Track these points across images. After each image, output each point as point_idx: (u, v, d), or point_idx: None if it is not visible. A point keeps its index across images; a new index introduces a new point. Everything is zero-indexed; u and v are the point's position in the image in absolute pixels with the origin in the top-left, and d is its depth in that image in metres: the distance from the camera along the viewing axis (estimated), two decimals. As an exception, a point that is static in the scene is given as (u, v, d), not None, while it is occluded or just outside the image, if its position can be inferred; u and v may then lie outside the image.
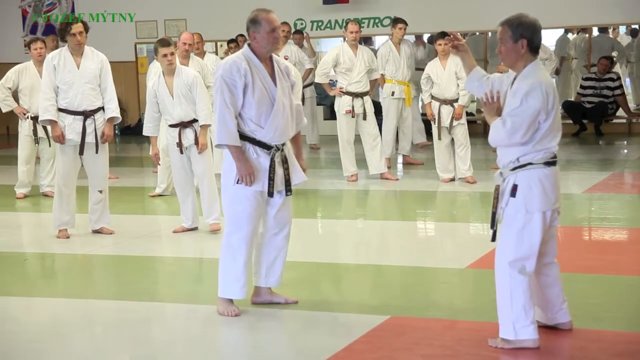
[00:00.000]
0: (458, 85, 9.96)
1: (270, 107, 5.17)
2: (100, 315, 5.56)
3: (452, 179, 10.16)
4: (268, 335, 5.08)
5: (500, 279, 4.62)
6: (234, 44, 13.34)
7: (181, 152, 7.63)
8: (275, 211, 5.34)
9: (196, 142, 7.60)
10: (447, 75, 10.04)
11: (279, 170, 5.24)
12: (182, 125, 7.60)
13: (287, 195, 5.32)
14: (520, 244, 4.55)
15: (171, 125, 7.65)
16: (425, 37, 15.20)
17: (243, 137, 5.18)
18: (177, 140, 7.60)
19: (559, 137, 4.64)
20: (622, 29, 17.51)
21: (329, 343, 4.78)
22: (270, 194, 5.22)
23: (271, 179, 5.20)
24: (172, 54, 7.54)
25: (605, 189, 9.59)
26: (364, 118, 10.43)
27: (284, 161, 5.27)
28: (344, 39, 10.97)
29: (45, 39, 10.55)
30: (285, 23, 12.77)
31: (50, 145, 9.88)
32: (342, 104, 10.46)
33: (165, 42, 7.57)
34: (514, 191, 4.56)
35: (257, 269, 5.45)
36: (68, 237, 7.68)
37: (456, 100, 10.06)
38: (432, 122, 10.27)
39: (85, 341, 5.10)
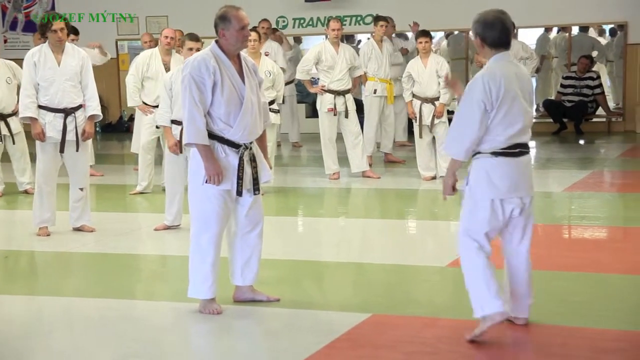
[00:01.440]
0: (439, 83, 9.99)
1: (239, 106, 5.12)
2: (81, 313, 5.53)
3: (434, 177, 10.19)
4: (249, 334, 5.08)
5: (462, 261, 4.80)
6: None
7: (180, 150, 7.57)
8: (246, 210, 5.30)
9: None
10: (428, 74, 10.09)
11: (248, 169, 5.21)
12: None
13: (255, 194, 5.28)
14: (470, 229, 4.75)
15: (174, 122, 7.56)
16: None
17: (212, 136, 5.13)
18: (178, 139, 7.51)
19: (514, 130, 4.68)
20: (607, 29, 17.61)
21: (310, 341, 4.78)
22: (239, 193, 5.19)
23: (240, 178, 5.16)
24: (199, 49, 7.48)
25: (585, 187, 9.65)
26: (346, 116, 10.44)
27: (252, 159, 5.24)
28: (326, 36, 10.98)
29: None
30: (265, 20, 12.76)
31: (14, 143, 9.78)
32: (324, 102, 10.46)
33: (194, 37, 7.58)
34: (467, 179, 4.78)
35: (232, 268, 5.43)
36: (49, 235, 7.64)
37: (437, 99, 10.10)
38: (413, 121, 10.31)
39: (67, 339, 5.08)
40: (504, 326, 4.84)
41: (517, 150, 4.73)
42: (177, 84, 7.49)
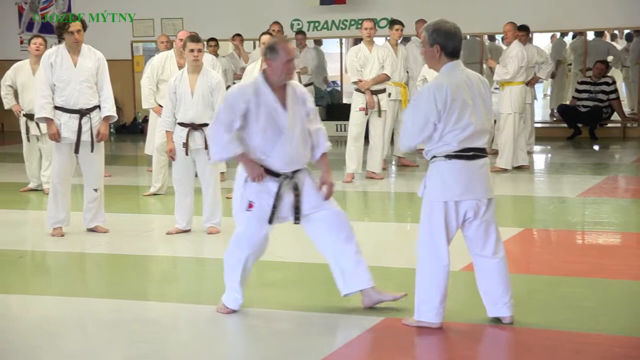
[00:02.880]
0: None
1: (278, 135, 5.14)
2: (93, 314, 5.55)
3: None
4: (260, 336, 5.09)
5: (418, 261, 4.96)
6: (214, 42, 13.22)
7: (186, 153, 7.59)
8: (329, 224, 5.28)
9: (206, 147, 7.50)
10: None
11: (287, 198, 5.20)
12: (192, 127, 7.54)
13: (295, 222, 5.26)
14: (426, 231, 4.90)
15: (181, 124, 7.58)
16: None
17: None
18: (184, 141, 7.54)
19: (466, 135, 4.80)
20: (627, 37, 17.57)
21: (322, 344, 4.79)
22: (270, 220, 5.20)
23: (274, 207, 5.17)
24: (200, 50, 7.49)
25: (599, 193, 9.61)
26: (379, 115, 10.53)
27: (295, 188, 5.23)
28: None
29: (45, 37, 10.49)
30: (276, 23, 12.74)
31: (42, 142, 9.91)
32: (356, 101, 10.56)
33: (195, 38, 7.56)
34: (425, 182, 4.92)
35: (341, 277, 5.35)
36: (63, 235, 7.67)
37: None
38: None
39: (79, 339, 5.10)
40: (510, 330, 4.87)
41: (470, 153, 4.86)
42: (181, 87, 7.53)
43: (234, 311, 5.31)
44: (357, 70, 10.55)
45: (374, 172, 10.69)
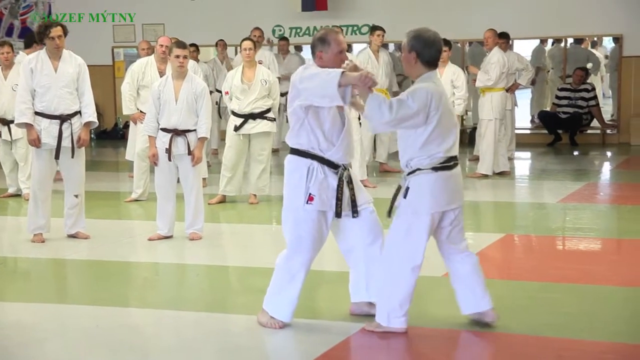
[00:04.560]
0: (454, 93, 9.92)
1: (342, 126, 5.08)
2: (74, 321, 5.52)
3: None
4: (246, 343, 5.07)
5: (385, 269, 4.95)
6: (193, 47, 13.14)
7: (169, 159, 7.57)
8: (368, 223, 5.16)
9: (189, 153, 7.53)
10: (443, 83, 9.89)
11: (346, 191, 5.10)
12: (175, 132, 7.52)
13: (353, 216, 5.13)
14: (406, 242, 4.90)
15: (164, 130, 7.56)
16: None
17: (312, 155, 5.05)
18: (167, 146, 7.52)
19: (449, 144, 4.89)
20: (608, 42, 17.68)
21: (307, 349, 4.79)
22: (338, 214, 5.08)
23: (339, 199, 5.06)
24: (186, 57, 7.47)
25: (579, 199, 9.67)
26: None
27: (350, 181, 5.14)
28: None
29: (11, 43, 10.39)
30: (257, 28, 12.72)
31: (11, 149, 9.85)
32: None
33: (181, 44, 7.54)
34: (406, 193, 4.90)
35: (355, 283, 5.28)
36: (43, 242, 7.63)
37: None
38: None
39: (60, 347, 5.06)
40: (494, 336, 4.91)
41: (452, 163, 4.93)
42: (166, 93, 7.51)
43: (281, 327, 5.13)
44: None
45: (364, 180, 10.58)
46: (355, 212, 5.13)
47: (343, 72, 4.80)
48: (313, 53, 5.12)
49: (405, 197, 4.91)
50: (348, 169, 5.14)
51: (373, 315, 5.18)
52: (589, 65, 16.09)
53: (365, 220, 5.17)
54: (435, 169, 4.86)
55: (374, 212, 5.23)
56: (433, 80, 4.91)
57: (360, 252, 5.20)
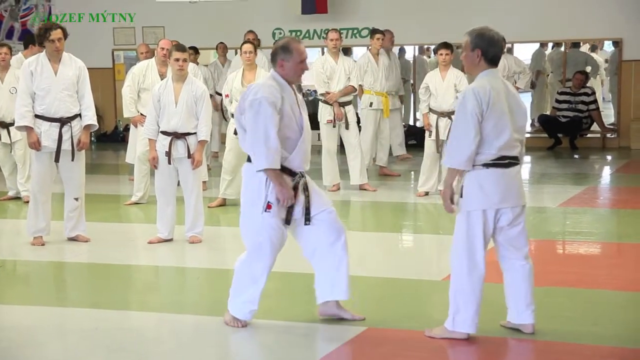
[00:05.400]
0: (457, 97, 9.84)
1: (298, 134, 5.12)
2: (75, 323, 5.52)
3: (427, 193, 10.08)
4: (243, 347, 5.07)
5: (453, 272, 4.94)
6: (192, 50, 13.12)
7: (169, 162, 7.56)
8: (326, 224, 5.22)
9: (189, 156, 7.53)
10: (446, 87, 9.83)
11: (301, 198, 5.15)
12: (175, 135, 7.52)
13: (305, 224, 5.18)
14: (464, 240, 4.88)
15: (164, 133, 7.55)
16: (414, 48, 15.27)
17: None
18: (167, 150, 7.51)
19: (502, 142, 4.84)
20: (608, 46, 17.68)
21: (305, 354, 4.78)
22: (288, 221, 5.14)
23: (291, 207, 5.11)
24: (185, 60, 7.47)
25: (579, 203, 9.66)
26: (347, 127, 10.45)
27: (305, 188, 5.18)
28: (323, 49, 10.99)
29: (9, 45, 10.40)
30: (251, 32, 12.67)
31: (11, 151, 9.85)
32: (323, 114, 10.48)
33: (181, 47, 7.55)
34: (461, 191, 4.90)
35: (320, 284, 5.30)
36: (43, 245, 7.62)
37: (453, 113, 9.89)
38: (427, 134, 10.14)
39: (59, 350, 5.07)
40: (493, 341, 4.89)
41: (506, 161, 4.89)
42: (166, 96, 7.51)
43: (244, 326, 5.22)
44: (324, 82, 10.44)
45: (364, 183, 10.58)
46: (307, 219, 5.17)
47: (268, 170, 4.97)
48: (274, 61, 5.15)
49: (461, 195, 4.91)
50: (305, 177, 5.18)
51: (343, 319, 5.26)
52: (588, 69, 16.09)
53: (323, 221, 5.22)
54: (486, 165, 4.84)
55: (333, 212, 5.27)
56: (494, 76, 4.92)
57: (323, 252, 5.24)
